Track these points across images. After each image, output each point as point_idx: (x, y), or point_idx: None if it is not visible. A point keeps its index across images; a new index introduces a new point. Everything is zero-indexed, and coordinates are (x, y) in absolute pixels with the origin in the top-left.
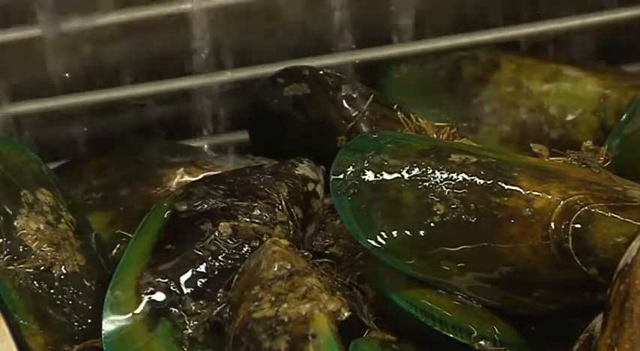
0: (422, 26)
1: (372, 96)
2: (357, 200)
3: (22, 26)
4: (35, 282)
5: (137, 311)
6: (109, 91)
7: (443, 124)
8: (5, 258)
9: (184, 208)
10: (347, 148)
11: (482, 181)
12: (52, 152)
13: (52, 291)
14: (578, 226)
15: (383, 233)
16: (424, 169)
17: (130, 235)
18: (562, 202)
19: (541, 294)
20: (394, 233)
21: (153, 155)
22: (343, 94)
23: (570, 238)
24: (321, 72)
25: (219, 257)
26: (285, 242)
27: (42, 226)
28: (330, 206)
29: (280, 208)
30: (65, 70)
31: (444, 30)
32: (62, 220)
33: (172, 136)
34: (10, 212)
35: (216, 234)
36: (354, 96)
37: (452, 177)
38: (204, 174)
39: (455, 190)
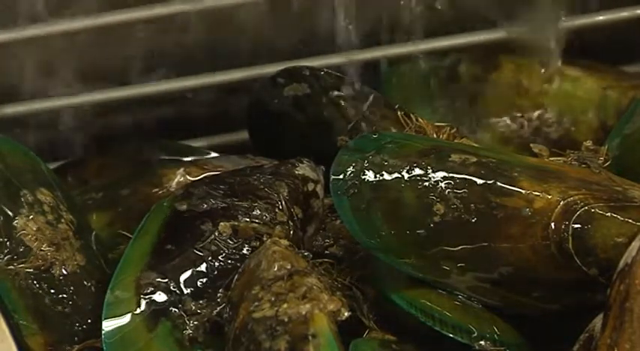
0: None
1: (372, 96)
2: (357, 200)
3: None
4: (35, 282)
5: (137, 311)
6: (108, 92)
7: (443, 124)
8: (5, 258)
9: (184, 208)
10: (347, 148)
11: (482, 181)
12: (52, 152)
13: (52, 291)
14: (578, 226)
15: (383, 233)
16: (424, 169)
17: (130, 235)
18: (562, 202)
19: (541, 294)
20: (394, 233)
21: (153, 155)
22: (343, 94)
23: (570, 238)
24: (321, 72)
25: (219, 257)
26: (285, 242)
27: (42, 226)
28: (330, 206)
29: (280, 208)
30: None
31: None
32: (62, 220)
33: (172, 136)
34: (10, 212)
35: (216, 234)
36: (354, 96)
37: (452, 177)
38: (204, 174)
39: (455, 190)
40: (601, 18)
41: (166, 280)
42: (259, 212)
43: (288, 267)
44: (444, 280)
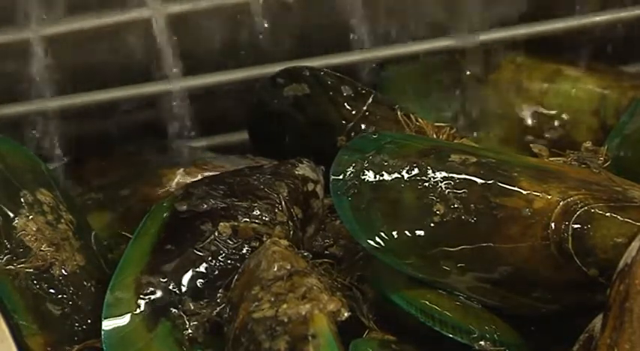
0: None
1: (372, 96)
2: (356, 200)
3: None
4: (35, 282)
5: (137, 311)
6: (108, 92)
7: (443, 124)
8: (5, 258)
9: (184, 208)
10: (347, 148)
11: (482, 181)
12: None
13: (51, 291)
14: (577, 226)
15: (383, 233)
16: (424, 170)
17: (129, 235)
18: (562, 203)
19: (541, 294)
20: (394, 233)
21: (153, 155)
22: (343, 94)
23: (570, 238)
24: (321, 72)
25: (219, 257)
26: (284, 242)
27: (42, 227)
28: (330, 206)
29: (280, 208)
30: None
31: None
32: (62, 221)
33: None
34: (10, 212)
35: (216, 234)
36: (354, 96)
37: (452, 177)
38: (204, 174)
39: (455, 191)
40: (601, 18)
41: (166, 280)
42: (259, 212)
43: (288, 267)
44: (443, 281)
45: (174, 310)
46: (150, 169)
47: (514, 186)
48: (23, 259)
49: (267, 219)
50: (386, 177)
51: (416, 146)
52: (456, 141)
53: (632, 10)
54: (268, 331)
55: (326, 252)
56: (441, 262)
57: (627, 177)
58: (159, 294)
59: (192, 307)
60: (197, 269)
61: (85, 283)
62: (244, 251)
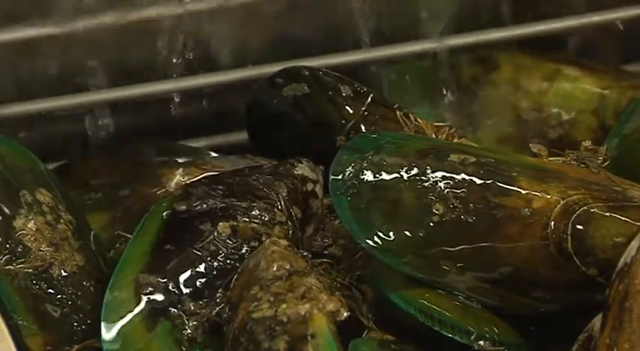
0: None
1: (371, 96)
2: (356, 200)
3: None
4: (34, 282)
5: (136, 311)
6: (108, 92)
7: (442, 124)
8: (4, 258)
9: (183, 208)
10: (346, 148)
11: (481, 181)
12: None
13: (51, 291)
14: (577, 226)
15: (382, 233)
16: (423, 169)
17: (129, 235)
18: (561, 202)
19: (540, 294)
20: (393, 233)
21: (152, 155)
22: (342, 94)
23: (569, 238)
24: (320, 72)
25: (219, 257)
26: (284, 242)
27: (41, 227)
28: (330, 206)
29: (279, 208)
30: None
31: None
32: (61, 221)
33: (172, 136)
34: (10, 212)
35: (216, 234)
36: (353, 96)
37: (451, 177)
38: (204, 174)
39: (454, 190)
40: (601, 18)
41: (165, 280)
42: (258, 212)
43: (287, 267)
44: (443, 280)
45: (173, 309)
46: (149, 169)
47: (513, 186)
48: (22, 259)
49: (266, 219)
50: (385, 177)
51: (415, 146)
52: (455, 141)
53: (632, 10)
54: (267, 330)
55: (325, 252)
56: (441, 262)
57: (627, 177)
58: (158, 294)
59: (192, 307)
60: (196, 269)
61: (84, 283)
62: (243, 251)
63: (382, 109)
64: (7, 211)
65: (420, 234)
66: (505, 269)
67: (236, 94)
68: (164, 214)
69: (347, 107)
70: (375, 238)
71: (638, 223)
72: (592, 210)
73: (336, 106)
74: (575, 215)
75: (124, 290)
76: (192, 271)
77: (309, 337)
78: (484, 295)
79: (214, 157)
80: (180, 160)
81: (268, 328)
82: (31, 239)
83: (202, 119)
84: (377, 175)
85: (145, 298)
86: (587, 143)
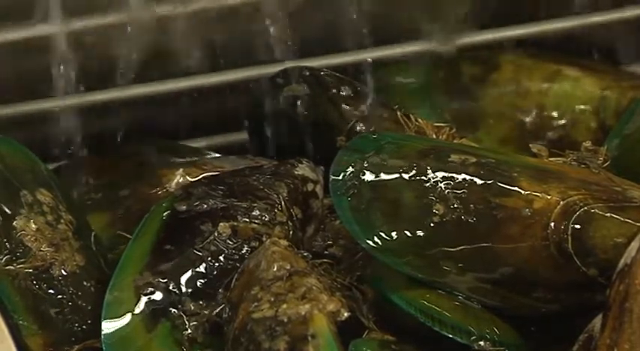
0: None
1: (371, 96)
2: (356, 200)
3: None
4: (35, 282)
5: (136, 312)
6: (108, 92)
7: (442, 124)
8: (5, 258)
9: (184, 208)
10: (346, 148)
11: (481, 182)
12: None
13: (51, 291)
14: (577, 226)
15: (382, 233)
16: (424, 170)
17: (129, 235)
18: (561, 203)
19: (541, 294)
20: (394, 233)
21: (152, 155)
22: (343, 94)
23: (570, 238)
24: (321, 72)
25: (219, 257)
26: (284, 243)
27: (41, 227)
28: (330, 206)
29: (280, 208)
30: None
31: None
32: (62, 221)
33: (172, 136)
34: (10, 212)
35: (216, 234)
36: (354, 96)
37: (451, 177)
38: (204, 174)
39: (454, 191)
40: (601, 18)
41: (166, 280)
42: (259, 212)
43: (288, 267)
44: (443, 281)
45: (173, 310)
46: (149, 169)
47: (514, 186)
48: (23, 260)
49: (266, 219)
50: (385, 177)
51: (415, 146)
52: (455, 141)
53: (632, 10)
54: (268, 331)
55: (325, 252)
56: (441, 262)
57: (627, 177)
58: (158, 294)
59: (192, 307)
60: (197, 269)
61: (84, 283)
62: (244, 251)
63: (383, 109)
64: (7, 211)
65: (421, 234)
66: (505, 270)
67: (236, 94)
68: (164, 214)
69: (347, 107)
70: (376, 239)
71: (638, 224)
72: (592, 210)
73: (337, 106)
74: (575, 216)
75: (125, 290)
76: (192, 271)
77: (309, 338)
78: (484, 295)
79: (214, 157)
80: (180, 160)
81: (269, 328)
82: (32, 239)
83: (202, 119)
84: (377, 176)
85: (145, 299)
86: (588, 144)
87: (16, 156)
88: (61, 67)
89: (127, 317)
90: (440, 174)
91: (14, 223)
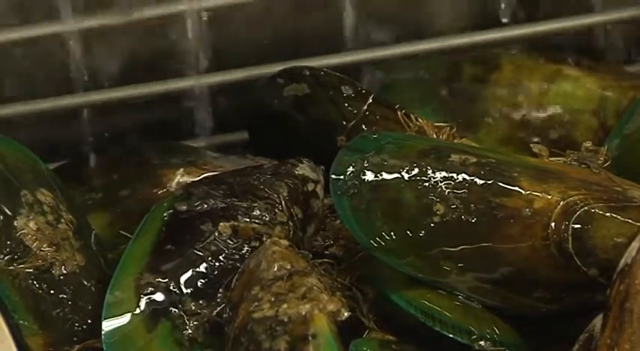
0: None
1: (372, 96)
2: (356, 200)
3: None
4: (35, 282)
5: (137, 311)
6: (108, 92)
7: (443, 124)
8: (5, 258)
9: (184, 208)
10: (347, 148)
11: (482, 182)
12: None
13: (51, 291)
14: (578, 226)
15: (383, 233)
16: (424, 170)
17: (129, 235)
18: (562, 203)
19: (541, 294)
20: (394, 233)
21: (153, 155)
22: (343, 94)
23: (570, 238)
24: (321, 72)
25: (219, 257)
26: (285, 242)
27: (42, 227)
28: (330, 206)
29: (280, 208)
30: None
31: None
32: (62, 221)
33: (172, 137)
34: (10, 212)
35: (216, 234)
36: (354, 96)
37: (452, 177)
38: (204, 174)
39: (455, 191)
40: (602, 18)
41: (166, 280)
42: (259, 212)
43: (288, 267)
44: (443, 281)
45: (174, 310)
46: (150, 169)
47: (514, 186)
48: (23, 259)
49: (267, 219)
50: (386, 177)
51: (416, 146)
52: (456, 141)
53: (633, 10)
54: (268, 331)
55: (326, 252)
56: (441, 262)
57: (627, 177)
58: (159, 294)
59: (193, 307)
60: (197, 269)
61: (85, 283)
62: (244, 251)
63: (383, 109)
64: (7, 211)
65: (421, 234)
66: (506, 269)
67: (237, 93)
68: (165, 214)
69: (348, 107)
70: (376, 239)
71: (638, 224)
72: (593, 210)
73: (337, 106)
74: (575, 216)
75: (125, 290)
76: (192, 271)
77: (310, 338)
78: (485, 295)
79: (215, 157)
80: (180, 160)
81: (269, 328)
82: (32, 239)
83: (203, 119)
84: (378, 176)
85: (145, 299)
86: (588, 143)
87: (16, 156)
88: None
89: (128, 317)
90: (440, 174)
91: (15, 223)
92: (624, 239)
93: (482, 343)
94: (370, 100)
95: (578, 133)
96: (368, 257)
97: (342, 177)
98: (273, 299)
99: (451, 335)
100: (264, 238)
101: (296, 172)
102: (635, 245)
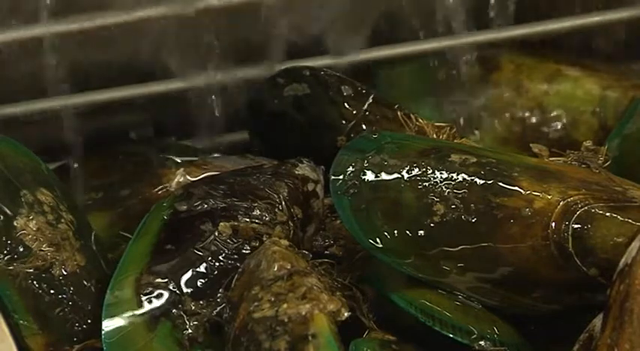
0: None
1: (372, 96)
2: (356, 200)
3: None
4: (35, 282)
5: (137, 311)
6: (108, 92)
7: (443, 124)
8: (5, 258)
9: (184, 208)
10: (347, 148)
11: (482, 181)
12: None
13: (51, 291)
14: (578, 226)
15: (383, 233)
16: (424, 169)
17: (129, 235)
18: (562, 203)
19: (541, 294)
20: (394, 233)
21: (153, 155)
22: (343, 94)
23: (570, 238)
24: (321, 72)
25: (219, 257)
26: (285, 242)
27: (42, 227)
28: (330, 206)
29: (280, 208)
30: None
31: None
32: (62, 221)
33: (173, 136)
34: (10, 212)
35: (216, 234)
36: (354, 96)
37: (452, 177)
38: (204, 174)
39: (455, 190)
40: (602, 18)
41: (166, 280)
42: (259, 212)
43: (288, 267)
44: (443, 281)
45: (174, 310)
46: (150, 169)
47: (514, 186)
48: (23, 259)
49: (267, 219)
50: (386, 177)
51: (416, 146)
52: (456, 141)
53: (633, 10)
54: (268, 331)
55: (326, 252)
56: (441, 262)
57: (627, 177)
58: (159, 294)
59: (193, 307)
60: (197, 269)
61: (85, 283)
62: (244, 251)
63: (383, 109)
64: (7, 211)
65: (421, 234)
66: (506, 269)
67: (237, 93)
68: (165, 214)
69: (348, 107)
70: (376, 238)
71: (638, 224)
72: (593, 210)
73: (337, 106)
74: (575, 215)
75: (125, 290)
76: (193, 271)
77: (310, 338)
78: (485, 295)
79: (215, 157)
80: (180, 160)
81: (269, 328)
82: (32, 239)
83: (202, 119)
84: (378, 175)
85: (145, 299)
86: (588, 143)
87: (16, 156)
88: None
89: (128, 317)
90: (440, 174)
91: (15, 223)
92: (624, 239)
93: (482, 343)
94: (370, 100)
95: (578, 133)
96: (368, 257)
97: (342, 177)
98: (273, 299)
99: (451, 335)
100: (264, 238)
101: (296, 172)
102: (635, 245)
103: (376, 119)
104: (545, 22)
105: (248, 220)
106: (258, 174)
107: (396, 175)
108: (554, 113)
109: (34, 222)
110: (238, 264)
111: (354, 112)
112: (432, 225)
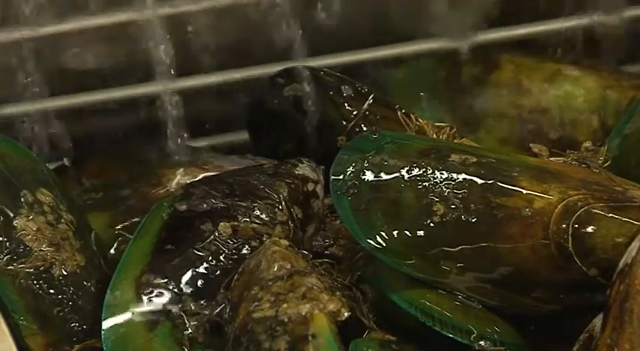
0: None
1: (372, 96)
2: (356, 200)
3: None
4: (35, 282)
5: (137, 311)
6: (108, 92)
7: (443, 124)
8: (5, 258)
9: (184, 208)
10: (347, 148)
11: (482, 181)
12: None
13: (51, 291)
14: (578, 226)
15: (383, 233)
16: (424, 169)
17: (129, 235)
18: (562, 203)
19: (541, 294)
20: (394, 233)
21: (153, 155)
22: (343, 94)
23: (570, 238)
24: (321, 72)
25: (219, 257)
26: (285, 242)
27: (42, 227)
28: (330, 206)
29: (280, 208)
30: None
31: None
32: (62, 221)
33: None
34: (10, 212)
35: (216, 234)
36: (354, 96)
37: (452, 177)
38: (204, 174)
39: (455, 190)
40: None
41: (166, 280)
42: (259, 212)
43: (288, 267)
44: (443, 281)
45: (174, 310)
46: (150, 169)
47: (514, 186)
48: (23, 259)
49: (267, 219)
50: (386, 177)
51: (416, 146)
52: (456, 141)
53: (633, 10)
54: (268, 331)
55: (326, 252)
56: (441, 262)
57: (627, 177)
58: (159, 294)
59: (193, 307)
60: (197, 269)
61: (85, 283)
62: (244, 251)
63: (383, 109)
64: (7, 211)
65: (421, 234)
66: (506, 269)
67: (237, 93)
68: (165, 214)
69: (348, 107)
70: (376, 238)
71: (638, 224)
72: (593, 210)
73: (337, 106)
74: (576, 215)
75: (125, 290)
76: (193, 271)
77: (310, 338)
78: (485, 295)
79: (215, 157)
80: (180, 160)
81: (269, 328)
82: (32, 239)
83: (203, 119)
84: (378, 175)
85: (145, 298)
86: (588, 143)
87: (16, 156)
88: None
89: (128, 317)
90: (440, 174)
91: (14, 223)
92: (624, 239)
93: (482, 342)
94: (370, 100)
95: (578, 133)
96: (368, 257)
97: (342, 177)
98: (273, 299)
99: (451, 335)
100: (264, 238)
101: (296, 172)
102: (635, 245)
103: (376, 119)
104: (545, 22)
105: (248, 220)
106: (258, 174)
107: (396, 175)
108: (554, 113)
109: (34, 222)
110: (238, 264)
111: (354, 112)
112: (432, 225)
